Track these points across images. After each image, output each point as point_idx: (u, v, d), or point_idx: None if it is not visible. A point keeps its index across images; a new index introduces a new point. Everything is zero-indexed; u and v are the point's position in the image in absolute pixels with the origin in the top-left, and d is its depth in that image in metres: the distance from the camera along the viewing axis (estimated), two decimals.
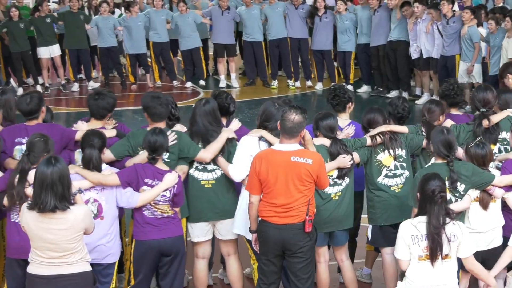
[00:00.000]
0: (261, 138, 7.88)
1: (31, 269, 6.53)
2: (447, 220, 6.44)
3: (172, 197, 7.50)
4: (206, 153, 7.90)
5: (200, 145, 7.97)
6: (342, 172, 7.95)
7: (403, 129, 8.23)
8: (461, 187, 7.24)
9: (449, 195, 7.07)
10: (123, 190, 7.43)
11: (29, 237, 6.51)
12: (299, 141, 7.27)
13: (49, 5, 19.11)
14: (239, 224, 7.98)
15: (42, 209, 6.31)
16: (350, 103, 8.68)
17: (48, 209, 6.30)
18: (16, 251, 7.43)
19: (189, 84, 19.36)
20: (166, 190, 7.46)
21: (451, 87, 8.95)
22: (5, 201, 7.32)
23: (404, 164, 8.11)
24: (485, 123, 8.34)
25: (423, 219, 6.46)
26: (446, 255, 6.44)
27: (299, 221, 7.14)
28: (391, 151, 8.09)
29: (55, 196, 6.30)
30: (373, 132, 8.13)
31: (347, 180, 8.03)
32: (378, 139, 8.08)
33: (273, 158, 7.14)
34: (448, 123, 8.52)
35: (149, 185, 7.44)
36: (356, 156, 8.00)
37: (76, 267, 6.48)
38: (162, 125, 7.98)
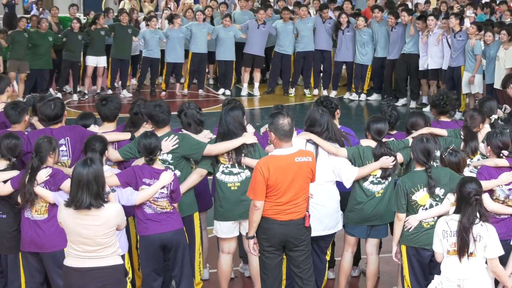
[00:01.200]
0: (308, 140, 7.85)
1: (67, 262, 6.52)
2: (477, 220, 6.43)
3: (169, 193, 7.52)
4: (212, 147, 7.87)
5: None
6: (386, 173, 7.94)
7: (443, 132, 8.25)
8: (440, 191, 7.21)
9: (429, 200, 7.16)
10: (123, 189, 7.44)
11: (66, 232, 6.52)
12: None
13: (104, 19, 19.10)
14: None
15: (78, 206, 6.32)
16: (338, 110, 8.61)
17: (84, 206, 6.31)
18: (29, 245, 7.47)
19: (221, 91, 19.34)
20: (163, 187, 7.46)
21: (441, 97, 8.98)
22: (19, 198, 7.37)
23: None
24: None
25: (455, 217, 6.50)
26: (471, 253, 6.43)
27: (301, 216, 7.16)
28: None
29: (90, 194, 6.31)
30: (415, 134, 8.12)
31: (390, 179, 8.00)
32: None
33: (280, 163, 7.08)
34: (486, 129, 8.45)
35: (148, 184, 7.47)
36: (400, 157, 8.02)
37: (108, 260, 6.48)
38: (166, 130, 8.00)
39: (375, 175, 7.91)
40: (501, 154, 7.67)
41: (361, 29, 18.13)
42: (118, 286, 6.58)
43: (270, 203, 7.12)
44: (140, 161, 7.72)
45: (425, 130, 8.11)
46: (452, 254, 6.44)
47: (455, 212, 6.55)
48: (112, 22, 19.20)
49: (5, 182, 7.51)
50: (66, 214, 6.41)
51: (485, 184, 7.45)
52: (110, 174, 7.46)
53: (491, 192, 7.57)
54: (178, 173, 7.77)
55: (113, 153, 7.95)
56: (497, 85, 14.57)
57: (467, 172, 7.61)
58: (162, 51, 19.05)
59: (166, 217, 7.55)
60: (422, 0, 23.85)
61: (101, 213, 6.36)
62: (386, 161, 7.85)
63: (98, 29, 18.53)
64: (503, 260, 6.92)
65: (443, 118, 8.90)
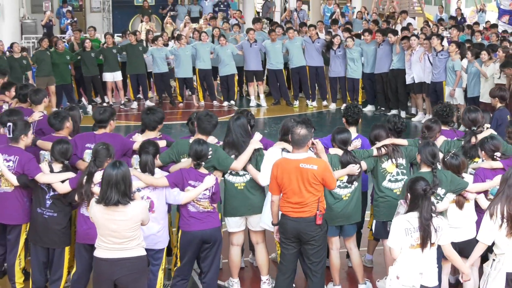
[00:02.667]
0: (283, 149, 7.92)
1: (97, 253, 6.59)
2: (433, 214, 6.47)
3: (211, 195, 7.56)
4: (237, 163, 7.93)
5: (231, 154, 8.02)
6: (351, 178, 8.00)
7: (404, 142, 8.24)
8: (441, 191, 7.27)
9: (432, 198, 7.05)
10: (171, 189, 7.48)
11: (96, 226, 6.57)
12: (307, 150, 7.31)
13: (114, 38, 19.23)
14: (264, 220, 8.08)
15: (107, 203, 6.39)
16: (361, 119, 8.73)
17: (112, 203, 6.38)
18: (83, 237, 7.54)
19: (226, 103, 19.37)
20: (206, 189, 7.50)
21: (445, 109, 9.04)
22: (76, 197, 7.43)
23: (404, 171, 8.14)
24: (473, 140, 8.37)
25: (414, 214, 6.46)
26: (433, 243, 6.47)
27: (311, 215, 7.21)
28: (393, 160, 8.13)
29: (119, 192, 6.38)
30: (378, 144, 8.15)
31: (355, 184, 8.06)
32: (383, 150, 8.11)
33: (286, 165, 7.21)
34: (441, 139, 8.56)
35: (192, 186, 7.50)
36: (364, 164, 8.06)
37: (133, 252, 6.54)
38: (205, 137, 8.02)
39: (342, 180, 7.97)
40: (495, 156, 7.77)
41: (350, 47, 18.19)
42: (142, 274, 6.62)
43: (284, 201, 7.28)
44: (178, 166, 7.81)
45: (388, 141, 8.14)
46: (416, 247, 6.43)
47: (409, 211, 6.52)
48: (128, 41, 19.35)
49: (62, 182, 7.61)
50: (96, 210, 6.46)
51: (481, 186, 7.61)
52: (160, 176, 7.53)
53: (485, 192, 7.64)
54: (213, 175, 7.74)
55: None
56: (482, 98, 14.75)
57: (466, 175, 7.68)
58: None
59: (207, 215, 7.60)
60: (412, 20, 24.08)
61: (127, 209, 6.41)
62: (353, 168, 7.92)
63: (110, 47, 18.71)
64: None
65: (444, 127, 8.90)
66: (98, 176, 7.17)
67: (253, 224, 8.26)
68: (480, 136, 8.34)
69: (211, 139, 8.20)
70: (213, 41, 19.64)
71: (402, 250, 6.49)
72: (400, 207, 7.10)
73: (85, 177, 7.30)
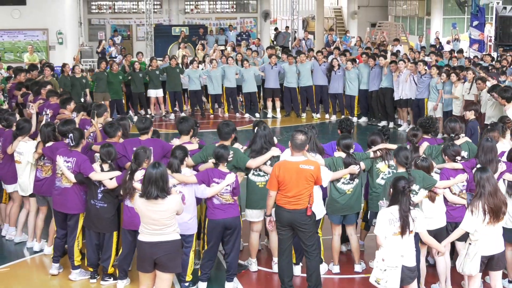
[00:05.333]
0: None
1: (141, 237, 6.60)
2: (411, 207, 6.47)
3: (232, 190, 7.57)
4: (252, 162, 7.95)
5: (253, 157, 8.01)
6: (353, 176, 8.00)
7: (393, 146, 8.18)
8: (416, 187, 7.23)
9: None
10: (199, 185, 7.50)
11: (139, 215, 6.58)
12: (305, 153, 7.33)
13: (157, 62, 19.31)
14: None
15: (148, 197, 6.40)
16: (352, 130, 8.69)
17: (152, 197, 6.38)
18: (128, 224, 7.61)
19: (247, 115, 19.35)
20: (227, 185, 7.51)
21: (428, 121, 9.03)
22: (121, 191, 7.49)
23: (395, 171, 8.04)
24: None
25: (395, 207, 6.46)
26: (411, 231, 6.47)
27: (303, 207, 7.19)
28: (386, 161, 8.10)
29: (157, 188, 6.38)
30: (374, 148, 8.16)
31: (356, 181, 8.06)
32: (378, 153, 8.09)
33: (288, 166, 7.19)
34: (425, 144, 8.56)
35: (216, 182, 7.51)
36: (363, 165, 8.04)
37: (170, 236, 6.54)
38: (228, 142, 8.04)
39: (346, 178, 8.00)
40: (456, 159, 7.75)
41: (349, 69, 18.10)
42: (176, 254, 6.63)
43: (281, 195, 7.22)
44: (205, 166, 7.82)
45: (381, 146, 8.14)
46: (397, 234, 6.41)
47: (391, 204, 6.52)
48: (168, 64, 19.44)
49: (110, 179, 7.69)
50: (140, 203, 6.49)
51: (447, 183, 7.59)
52: (190, 174, 7.58)
53: (449, 188, 7.63)
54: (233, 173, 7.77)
55: (188, 160, 7.94)
56: (455, 111, 14.78)
57: (434, 174, 7.64)
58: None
59: (229, 206, 7.61)
60: (400, 47, 23.99)
61: (165, 202, 6.42)
62: (353, 168, 7.94)
63: (154, 69, 18.79)
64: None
65: (426, 136, 8.91)
66: (138, 174, 7.23)
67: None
68: (458, 143, 8.34)
69: (237, 145, 8.24)
70: (237, 63, 19.65)
71: (386, 237, 6.47)
72: (380, 206, 7.05)
73: (128, 175, 7.33)
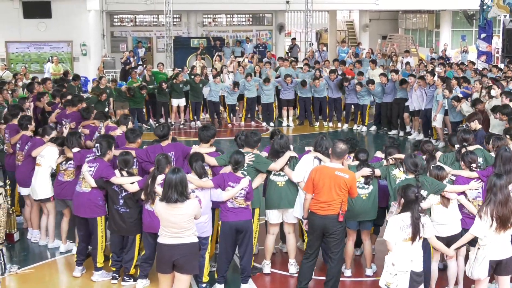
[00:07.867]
0: (315, 157, 7.96)
1: (160, 239, 6.61)
2: (421, 214, 6.44)
3: (245, 194, 7.58)
4: (275, 165, 8.02)
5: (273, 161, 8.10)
6: (367, 180, 7.98)
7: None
8: (424, 193, 7.17)
9: None
10: (215, 190, 7.52)
11: (159, 218, 6.59)
12: (342, 162, 7.38)
13: (183, 76, 19.52)
14: (297, 211, 8.11)
15: (168, 201, 6.42)
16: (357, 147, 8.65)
17: (172, 201, 6.41)
18: (148, 227, 7.64)
19: (264, 124, 19.37)
20: (242, 189, 7.53)
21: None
22: (142, 195, 7.52)
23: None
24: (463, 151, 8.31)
25: (406, 214, 6.40)
26: (421, 237, 6.43)
27: (335, 213, 7.18)
28: (401, 168, 8.00)
29: (177, 193, 6.40)
30: (389, 157, 8.10)
31: (371, 187, 8.02)
32: (391, 161, 8.05)
33: (325, 170, 7.22)
34: (439, 154, 8.54)
35: (231, 187, 7.53)
36: (378, 171, 8.00)
37: (188, 239, 6.55)
38: (251, 150, 8.10)
39: (360, 181, 7.93)
40: (472, 167, 7.74)
41: (359, 91, 18.29)
42: (194, 257, 6.64)
43: (314, 200, 7.24)
44: (227, 169, 7.84)
45: (397, 155, 8.04)
46: (407, 240, 6.34)
47: (402, 212, 6.45)
48: (187, 75, 19.70)
49: (132, 183, 7.76)
50: (160, 206, 6.50)
51: (457, 187, 7.56)
52: (206, 179, 7.61)
53: (464, 194, 7.59)
54: (248, 177, 7.80)
55: (210, 160, 8.04)
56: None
57: (446, 182, 7.59)
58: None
59: (241, 210, 7.62)
60: (410, 59, 23.94)
61: (184, 206, 6.43)
62: (365, 170, 7.94)
63: (178, 82, 19.02)
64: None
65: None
66: (159, 179, 7.26)
67: (288, 217, 8.30)
68: (469, 149, 8.30)
69: (263, 154, 8.35)
70: (254, 75, 19.92)
71: (396, 243, 6.41)
72: (392, 207, 7.06)
73: (150, 180, 7.36)
